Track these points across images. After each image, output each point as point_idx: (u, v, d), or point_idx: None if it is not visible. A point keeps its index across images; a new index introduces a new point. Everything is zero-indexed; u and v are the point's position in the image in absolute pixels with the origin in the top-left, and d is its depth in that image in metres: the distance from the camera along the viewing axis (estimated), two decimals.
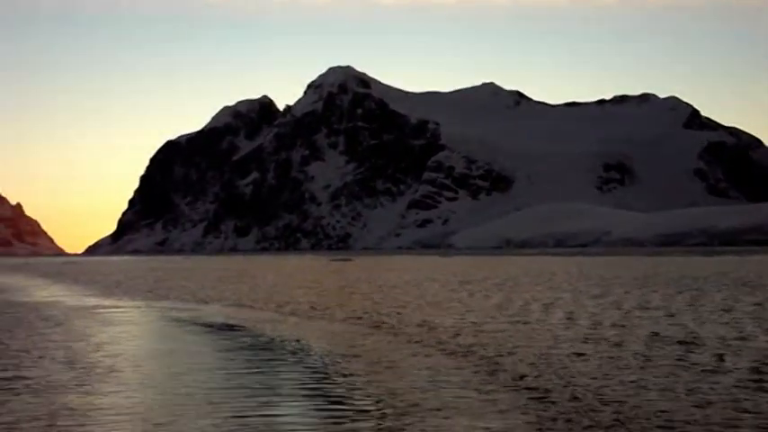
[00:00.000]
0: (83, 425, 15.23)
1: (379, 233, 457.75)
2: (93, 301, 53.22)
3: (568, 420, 14.87)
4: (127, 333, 32.93)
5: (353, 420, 15.31)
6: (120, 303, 50.25)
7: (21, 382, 19.79)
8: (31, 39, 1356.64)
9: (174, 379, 20.34)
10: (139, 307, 47.03)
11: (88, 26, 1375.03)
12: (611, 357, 22.49)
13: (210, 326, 34.77)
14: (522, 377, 19.59)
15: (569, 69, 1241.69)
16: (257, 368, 22.09)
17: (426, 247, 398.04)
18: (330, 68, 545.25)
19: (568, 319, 33.89)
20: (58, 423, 15.34)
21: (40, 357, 24.47)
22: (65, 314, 41.78)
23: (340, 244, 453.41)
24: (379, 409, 16.12)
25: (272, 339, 28.72)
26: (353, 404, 16.77)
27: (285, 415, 16.00)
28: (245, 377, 20.56)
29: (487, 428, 14.50)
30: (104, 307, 47.10)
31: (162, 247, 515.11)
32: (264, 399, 17.67)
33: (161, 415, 15.95)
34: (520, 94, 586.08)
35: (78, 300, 54.50)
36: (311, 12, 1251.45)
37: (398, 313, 38.14)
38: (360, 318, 36.25)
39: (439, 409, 16.03)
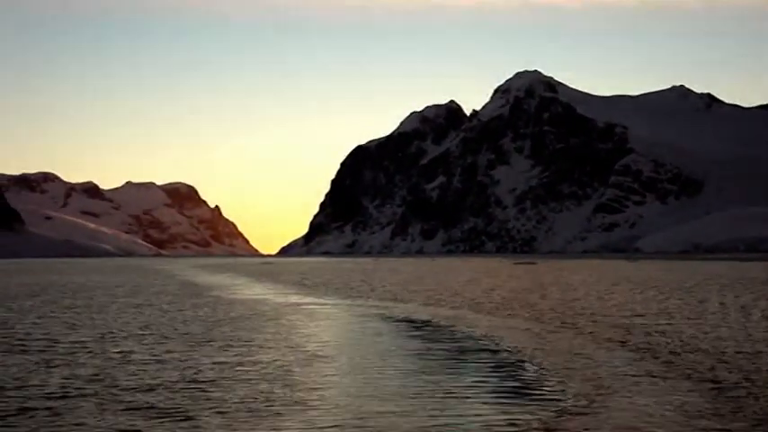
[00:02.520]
0: (306, 401, 18.18)
1: (564, 237, 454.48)
2: (295, 298, 56.98)
3: (739, 408, 16.64)
4: (332, 326, 36.14)
5: (549, 400, 17.65)
6: (322, 300, 53.73)
7: (256, 365, 22.98)
8: (226, 44, 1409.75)
9: (379, 364, 23.15)
10: (340, 304, 50.27)
11: (281, 32, 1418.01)
12: None
13: (406, 321, 37.55)
14: (698, 370, 21.40)
15: (763, 71, 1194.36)
16: (451, 357, 24.70)
17: (612, 251, 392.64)
18: (517, 73, 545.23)
19: (752, 320, 34.85)
20: (289, 396, 18.37)
21: (264, 346, 27.75)
22: (274, 310, 45.46)
23: (525, 247, 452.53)
24: (570, 393, 18.38)
25: (465, 334, 31.23)
26: (546, 388, 19.09)
27: (481, 395, 18.49)
28: (440, 364, 23.20)
29: (666, 408, 16.56)
30: (308, 304, 50.65)
31: (351, 249, 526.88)
32: (462, 382, 20.25)
33: (369, 393, 18.77)
34: (711, 97, 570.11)
35: (283, 297, 58.42)
36: (498, 17, 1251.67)
37: (583, 313, 39.99)
38: (546, 317, 38.31)
39: (622, 394, 18.16)
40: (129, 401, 17.36)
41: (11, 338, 30.01)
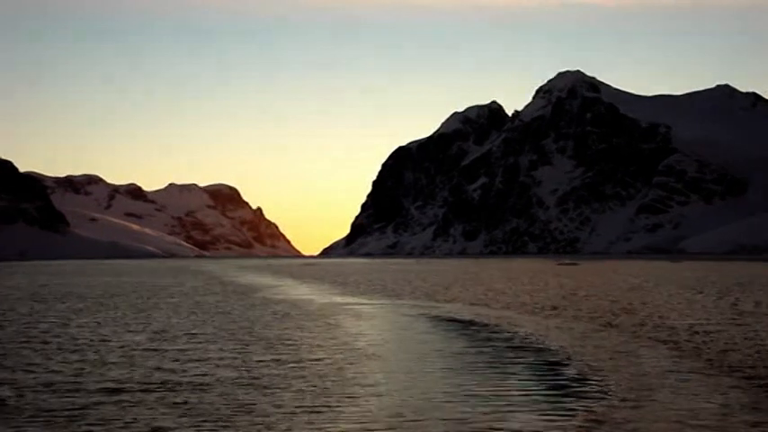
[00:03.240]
0: (359, 396, 18.89)
1: (607, 237, 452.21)
2: (340, 298, 57.77)
3: None
4: (379, 325, 36.84)
5: (594, 396, 18.23)
6: (366, 301, 54.46)
7: (308, 363, 23.76)
8: (268, 46, 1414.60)
9: (427, 361, 23.83)
10: (384, 304, 50.96)
11: (323, 33, 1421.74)
12: None
13: (451, 320, 38.19)
14: (740, 368, 21.87)
15: None
16: (497, 355, 25.33)
17: (656, 251, 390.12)
18: (559, 73, 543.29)
19: None
20: (343, 392, 19.09)
21: (314, 345, 28.54)
22: (321, 309, 46.27)
23: (568, 248, 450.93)
24: (615, 389, 18.96)
25: (510, 333, 31.81)
26: (591, 384, 19.67)
27: (528, 390, 19.11)
28: (487, 362, 23.82)
29: (708, 403, 17.12)
30: (353, 304, 51.42)
31: (392, 250, 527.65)
32: (509, 379, 20.88)
33: (418, 389, 19.45)
34: (757, 96, 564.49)
35: (328, 297, 59.24)
36: (540, 17, 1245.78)
37: (626, 313, 40.41)
38: (590, 317, 38.76)
39: (666, 390, 18.70)
40: (188, 398, 18.14)
41: (66, 338, 31.00)
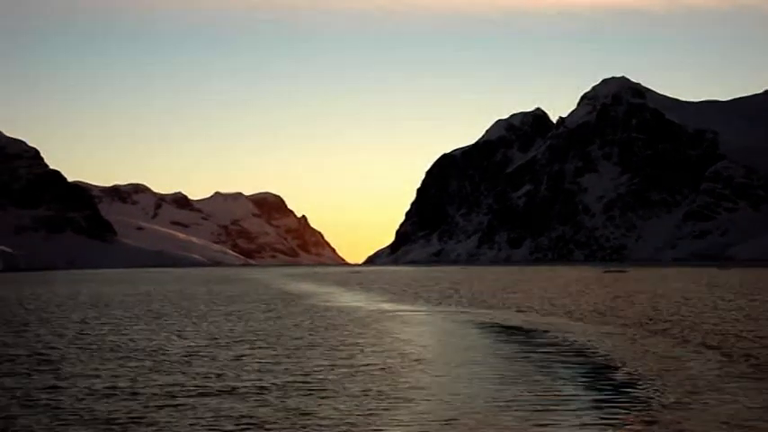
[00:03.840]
0: (413, 399, 19.35)
1: (654, 244, 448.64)
2: (388, 305, 58.28)
3: None
4: (428, 331, 37.30)
5: (644, 399, 18.56)
6: (414, 308, 54.91)
7: (361, 368, 24.29)
8: (313, 54, 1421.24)
9: (477, 365, 24.23)
10: (431, 311, 51.41)
11: (367, 41, 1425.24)
12: None
13: (499, 327, 38.53)
14: None
15: None
16: (547, 360, 25.68)
17: (703, 258, 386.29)
18: (604, 80, 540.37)
19: None
20: (397, 395, 19.56)
21: (365, 350, 29.06)
22: (369, 316, 46.81)
23: (614, 255, 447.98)
24: (664, 392, 19.26)
25: (559, 339, 32.10)
26: (641, 388, 20.00)
27: (578, 393, 19.46)
28: (537, 366, 24.18)
29: (755, 405, 17.38)
30: (401, 310, 51.90)
31: (437, 258, 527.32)
32: (555, 384, 21.23)
33: (464, 392, 19.87)
34: None
35: (375, 304, 59.78)
36: (584, 23, 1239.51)
37: (674, 319, 40.49)
38: (638, 323, 38.91)
39: (714, 393, 18.97)
40: (247, 402, 18.70)
41: (122, 346, 31.75)
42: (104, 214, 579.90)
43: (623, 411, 17.25)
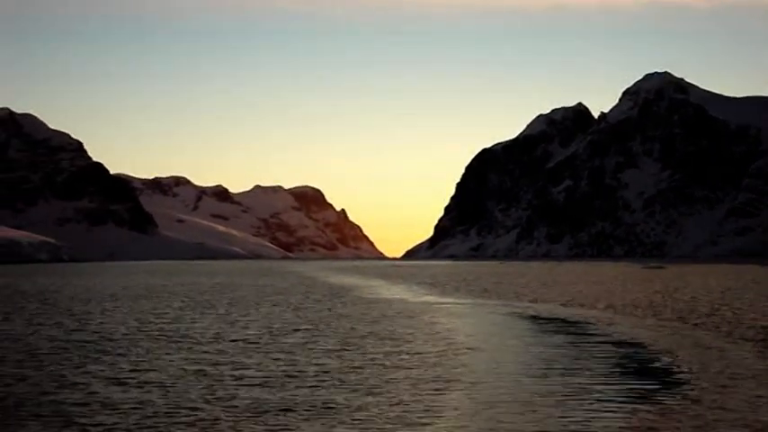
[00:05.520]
0: (466, 381, 20.64)
1: (694, 241, 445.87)
2: (431, 298, 59.54)
3: None
4: (473, 323, 38.53)
5: (685, 386, 19.74)
6: (457, 300, 56.12)
7: (408, 354, 25.67)
8: (352, 47, 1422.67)
9: (520, 354, 25.46)
10: (474, 303, 52.56)
11: (406, 35, 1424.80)
12: None
13: (543, 319, 39.67)
14: None
15: None
16: (589, 350, 26.91)
17: (745, 255, 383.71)
18: (646, 75, 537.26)
19: None
20: (450, 377, 20.88)
21: (415, 340, 30.41)
22: (415, 308, 48.10)
23: (654, 251, 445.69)
24: (704, 380, 20.43)
25: (601, 331, 33.25)
26: (681, 376, 21.19)
27: (619, 381, 20.68)
28: (583, 354, 25.40)
29: None
30: (444, 303, 53.16)
31: (476, 253, 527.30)
32: (599, 373, 22.46)
33: (511, 378, 21.13)
34: None
35: (418, 297, 61.07)
36: (626, 18, 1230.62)
37: (716, 314, 41.41)
38: (678, 317, 39.90)
39: (751, 382, 20.11)
40: (318, 384, 20.14)
41: (181, 334, 33.29)
42: (145, 207, 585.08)
43: (667, 394, 18.52)
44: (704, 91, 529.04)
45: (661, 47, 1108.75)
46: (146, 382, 20.21)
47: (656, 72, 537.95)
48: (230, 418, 15.97)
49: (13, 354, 25.89)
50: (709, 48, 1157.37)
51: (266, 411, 16.71)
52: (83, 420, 15.95)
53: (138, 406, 17.25)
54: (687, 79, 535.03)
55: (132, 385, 19.83)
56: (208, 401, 17.72)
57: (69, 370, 22.28)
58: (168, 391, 18.98)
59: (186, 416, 16.26)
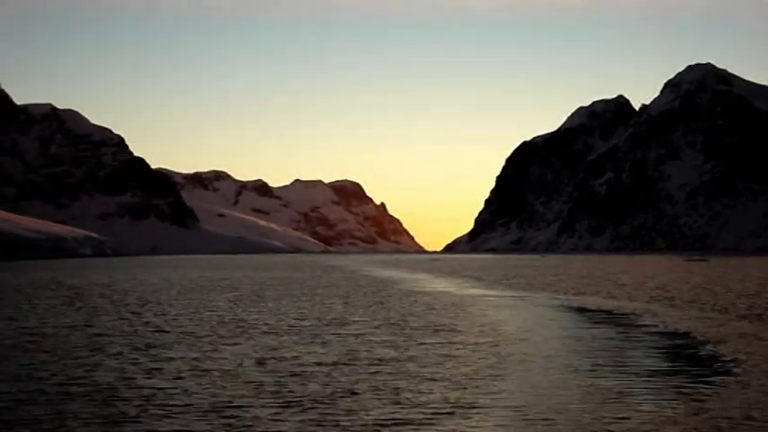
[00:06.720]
0: (516, 370, 21.59)
1: (738, 233, 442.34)
2: (475, 290, 60.37)
3: None
4: (521, 315, 39.33)
5: (724, 372, 20.54)
6: (501, 293, 56.95)
7: (461, 345, 26.63)
8: (392, 41, 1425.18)
9: (570, 342, 26.32)
10: (519, 296, 53.29)
11: (444, 28, 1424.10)
12: None
13: (589, 311, 40.41)
14: None
15: None
16: (636, 339, 27.75)
17: None
18: (688, 66, 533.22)
19: None
20: (501, 366, 21.83)
21: (465, 331, 31.34)
22: (461, 300, 48.98)
23: (697, 244, 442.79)
24: (747, 367, 21.22)
25: (648, 321, 34.01)
26: (729, 363, 21.99)
27: (670, 364, 21.49)
28: (631, 344, 26.24)
29: None
30: (489, 295, 53.99)
31: (516, 246, 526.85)
32: (650, 357, 23.29)
33: (563, 364, 22.02)
34: None
35: (463, 289, 61.91)
36: (667, 9, 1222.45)
37: (759, 305, 41.96)
38: (724, 308, 40.52)
39: None
40: (380, 369, 21.14)
41: (237, 325, 34.42)
42: (186, 201, 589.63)
43: (716, 379, 19.43)
44: (747, 82, 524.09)
45: (703, 38, 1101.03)
46: (215, 369, 21.31)
47: (698, 63, 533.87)
48: (301, 400, 16.99)
49: (82, 347, 27.09)
50: (753, 38, 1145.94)
51: (333, 393, 17.77)
52: (170, 402, 17.03)
53: (214, 390, 18.34)
54: (730, 70, 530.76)
55: (201, 372, 20.94)
56: (276, 386, 18.76)
57: (142, 360, 23.41)
58: (238, 376, 20.13)
59: (259, 399, 17.31)
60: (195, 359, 23.17)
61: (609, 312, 39.38)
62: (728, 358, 22.86)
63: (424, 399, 17.22)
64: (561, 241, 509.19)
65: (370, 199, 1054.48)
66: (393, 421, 15.21)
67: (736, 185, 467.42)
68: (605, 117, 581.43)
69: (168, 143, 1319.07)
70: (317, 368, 21.33)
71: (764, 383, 18.75)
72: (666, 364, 22.06)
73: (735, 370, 20.78)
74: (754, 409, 16.06)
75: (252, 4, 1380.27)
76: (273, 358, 23.20)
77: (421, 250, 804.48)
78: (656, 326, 32.42)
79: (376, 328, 31.94)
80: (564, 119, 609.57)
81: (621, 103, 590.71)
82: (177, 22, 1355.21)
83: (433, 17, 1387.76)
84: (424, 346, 25.83)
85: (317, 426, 14.96)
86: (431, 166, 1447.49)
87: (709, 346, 25.58)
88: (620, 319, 35.47)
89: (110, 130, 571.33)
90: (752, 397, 17.30)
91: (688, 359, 23.12)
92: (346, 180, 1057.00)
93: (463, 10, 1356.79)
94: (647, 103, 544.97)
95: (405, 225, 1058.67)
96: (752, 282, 70.80)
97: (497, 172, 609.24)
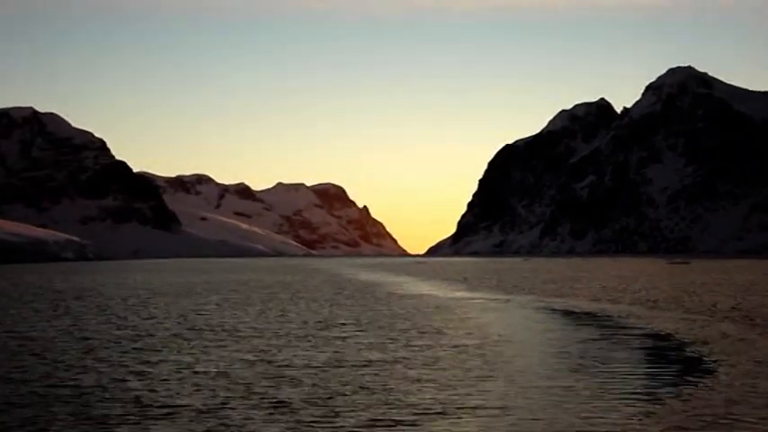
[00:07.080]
0: (501, 370, 21.81)
1: (719, 236, 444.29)
2: (460, 293, 60.60)
3: None
4: (506, 317, 39.61)
5: (708, 372, 20.83)
6: (486, 296, 57.14)
7: (448, 346, 26.85)
8: (373, 43, 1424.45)
9: (554, 345, 26.57)
10: (503, 299, 53.54)
11: (428, 31, 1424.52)
12: None
13: (572, 313, 40.72)
14: None
15: None
16: (620, 340, 28.01)
17: None
18: (670, 69, 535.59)
19: None
20: (486, 367, 22.04)
21: (450, 333, 31.57)
22: (445, 303, 49.19)
23: (678, 247, 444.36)
24: (729, 366, 21.52)
25: (631, 323, 34.33)
26: (713, 364, 22.28)
27: (652, 365, 21.76)
28: (610, 344, 26.49)
29: None
30: (475, 298, 54.21)
31: (499, 249, 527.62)
32: (632, 358, 23.56)
33: (546, 365, 22.25)
34: None
35: (448, 293, 62.12)
36: (648, 12, 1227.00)
37: (743, 307, 42.33)
38: (707, 310, 40.88)
39: None
40: (365, 373, 21.32)
41: (225, 328, 34.51)
42: (169, 205, 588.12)
43: (700, 379, 19.71)
44: (728, 85, 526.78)
45: (685, 41, 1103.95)
46: (205, 371, 21.45)
47: (679, 66, 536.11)
48: (292, 401, 17.15)
49: (71, 350, 27.15)
50: (734, 41, 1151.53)
51: (322, 395, 17.93)
52: (158, 405, 17.16)
53: (202, 393, 18.48)
54: (711, 74, 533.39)
55: (192, 374, 21.07)
56: (266, 388, 18.92)
57: (131, 363, 23.51)
58: (229, 378, 20.27)
59: (250, 400, 17.46)
60: (183, 362, 23.29)
61: (593, 315, 39.69)
62: (711, 359, 23.16)
63: (412, 400, 17.43)
64: (543, 244, 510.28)
65: (353, 202, 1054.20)
66: (382, 422, 15.40)
67: (718, 189, 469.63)
68: (587, 120, 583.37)
69: (150, 147, 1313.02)
70: (305, 370, 21.50)
71: (746, 383, 19.07)
72: (650, 365, 22.39)
73: (718, 370, 21.08)
74: (736, 408, 16.35)
75: (236, 8, 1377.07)
76: (261, 361, 23.37)
77: (404, 253, 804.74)
78: (639, 328, 32.75)
79: (362, 330, 32.12)
80: (546, 122, 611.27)
81: (603, 106, 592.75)
82: (160, 25, 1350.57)
83: (412, 20, 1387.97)
84: (410, 349, 26.03)
85: (307, 427, 15.14)
86: (414, 169, 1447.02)
87: (692, 348, 25.90)
88: (603, 321, 35.78)
89: (91, 134, 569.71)
90: (734, 396, 17.59)
91: (671, 360, 23.43)
92: (329, 183, 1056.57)
93: (445, 13, 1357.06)
94: (629, 106, 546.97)
95: (388, 228, 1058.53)
96: (733, 284, 71.32)
97: (480, 175, 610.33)
